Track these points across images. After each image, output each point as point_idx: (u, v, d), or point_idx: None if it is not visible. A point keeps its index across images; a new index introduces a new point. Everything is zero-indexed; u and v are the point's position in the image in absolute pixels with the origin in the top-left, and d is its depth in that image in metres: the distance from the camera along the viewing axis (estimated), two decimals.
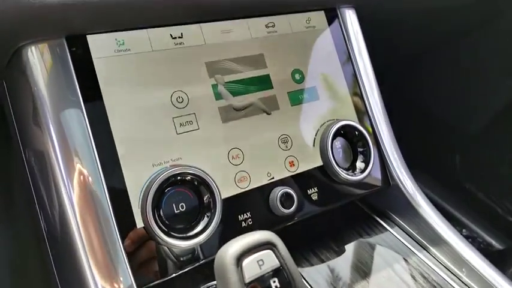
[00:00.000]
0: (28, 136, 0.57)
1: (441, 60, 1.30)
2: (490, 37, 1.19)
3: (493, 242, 1.31)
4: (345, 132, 0.72)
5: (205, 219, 0.57)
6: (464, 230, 1.34)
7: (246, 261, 0.44)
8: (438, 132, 1.38)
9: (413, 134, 1.37)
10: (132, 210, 0.55)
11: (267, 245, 0.45)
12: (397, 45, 1.18)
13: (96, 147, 0.55)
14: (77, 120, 0.55)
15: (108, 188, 0.54)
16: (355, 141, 0.72)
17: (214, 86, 0.64)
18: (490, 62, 1.21)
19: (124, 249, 0.54)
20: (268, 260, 0.44)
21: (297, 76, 0.71)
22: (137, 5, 0.56)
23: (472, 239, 1.31)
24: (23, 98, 0.56)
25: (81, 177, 0.53)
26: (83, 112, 0.55)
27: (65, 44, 0.55)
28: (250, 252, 0.44)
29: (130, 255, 0.54)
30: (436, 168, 1.40)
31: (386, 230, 0.77)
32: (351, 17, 0.78)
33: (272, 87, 0.68)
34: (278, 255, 0.45)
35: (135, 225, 0.55)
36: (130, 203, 0.55)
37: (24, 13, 0.50)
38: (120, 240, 0.54)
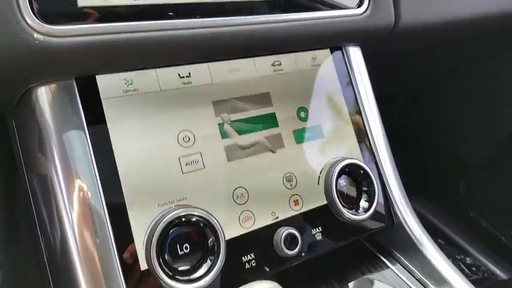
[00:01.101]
0: (35, 176, 0.57)
1: (447, 89, 1.30)
2: (496, 67, 1.19)
3: (497, 271, 1.30)
4: (350, 170, 0.72)
5: (209, 262, 0.57)
6: (468, 259, 1.33)
7: None
8: (444, 160, 1.38)
9: (419, 162, 1.37)
10: (135, 251, 0.55)
11: None
12: (402, 76, 1.19)
13: (102, 186, 0.55)
14: (84, 158, 0.55)
15: (112, 227, 0.54)
16: (359, 179, 0.72)
17: (221, 125, 0.64)
18: (495, 92, 1.22)
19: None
20: None
21: (302, 114, 0.71)
22: (146, 46, 0.57)
23: (476, 268, 1.31)
24: (32, 137, 0.56)
25: (86, 214, 0.54)
26: (89, 151, 0.55)
27: (74, 84, 0.56)
28: None
29: None
30: (440, 196, 1.40)
31: (389, 268, 0.77)
32: (356, 55, 0.78)
33: (277, 126, 0.69)
34: None
35: (138, 267, 0.55)
36: (134, 242, 0.55)
37: (34, 56, 0.51)
38: (122, 280, 0.54)
